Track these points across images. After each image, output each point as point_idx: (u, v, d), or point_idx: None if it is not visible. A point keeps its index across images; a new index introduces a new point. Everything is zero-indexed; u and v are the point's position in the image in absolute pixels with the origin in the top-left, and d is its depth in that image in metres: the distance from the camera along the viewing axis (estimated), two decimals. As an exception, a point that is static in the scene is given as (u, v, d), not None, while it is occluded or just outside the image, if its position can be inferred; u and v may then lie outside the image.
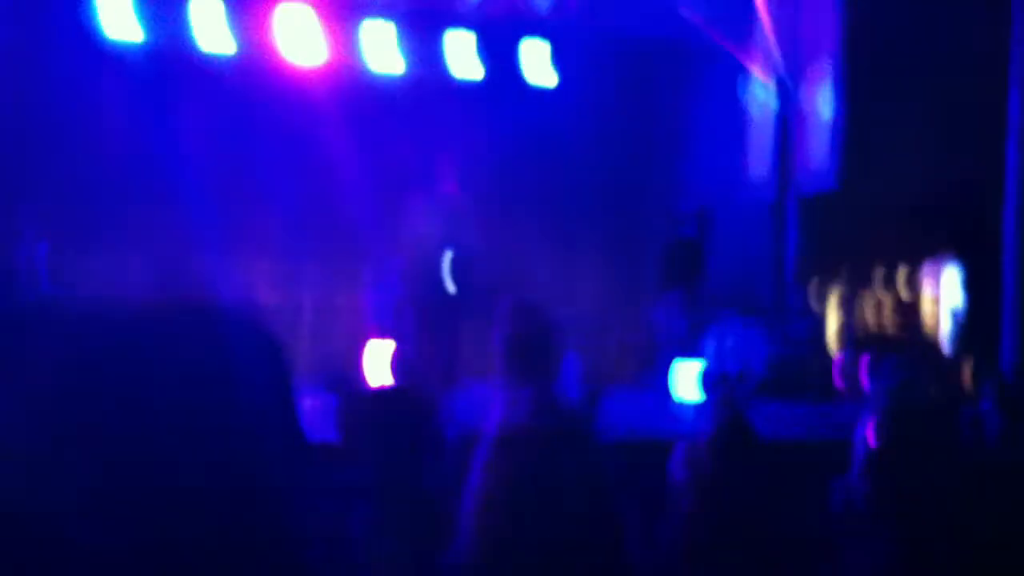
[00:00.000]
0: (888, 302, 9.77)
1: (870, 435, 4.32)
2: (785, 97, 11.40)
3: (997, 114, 9.09)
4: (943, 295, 9.72)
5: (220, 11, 11.10)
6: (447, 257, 8.06)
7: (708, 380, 10.17)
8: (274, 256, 11.91)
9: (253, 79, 11.46)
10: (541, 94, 12.54)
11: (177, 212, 11.09)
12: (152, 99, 11.09)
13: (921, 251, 10.13)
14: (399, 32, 11.79)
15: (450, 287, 7.81)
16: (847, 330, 9.73)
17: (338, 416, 3.29)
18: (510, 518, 2.50)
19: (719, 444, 4.51)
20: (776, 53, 11.33)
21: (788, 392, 9.38)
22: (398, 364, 7.96)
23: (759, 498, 4.45)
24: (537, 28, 12.64)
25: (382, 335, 8.83)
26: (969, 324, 9.72)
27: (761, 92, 11.78)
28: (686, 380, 10.28)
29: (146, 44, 10.92)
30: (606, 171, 13.40)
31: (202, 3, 11.04)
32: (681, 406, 10.45)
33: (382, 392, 3.46)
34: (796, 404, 9.01)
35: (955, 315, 9.73)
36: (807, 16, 11.15)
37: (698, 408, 10.19)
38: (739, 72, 12.00)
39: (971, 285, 9.74)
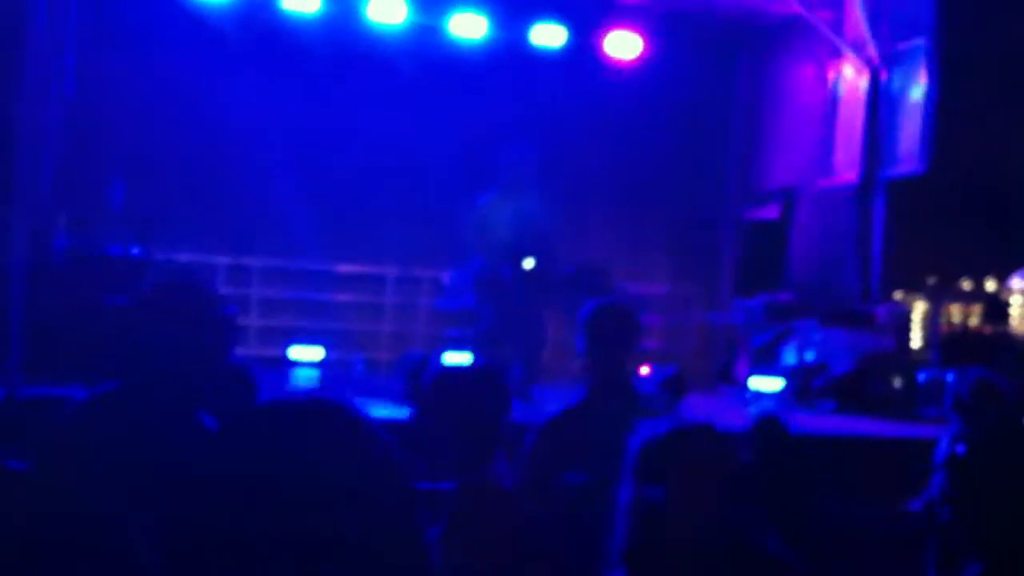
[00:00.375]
0: (976, 304, 9.53)
1: (954, 448, 4.19)
2: (875, 77, 11.11)
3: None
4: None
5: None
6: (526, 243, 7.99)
7: (787, 371, 10.10)
8: (355, 230, 12.01)
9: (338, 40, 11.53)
10: (620, 70, 12.41)
11: (250, 170, 11.26)
12: (233, 58, 11.21)
13: (1010, 243, 9.85)
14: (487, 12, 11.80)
15: (529, 269, 7.74)
16: (932, 336, 9.51)
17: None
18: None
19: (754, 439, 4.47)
20: (867, 31, 11.04)
21: (868, 406, 9.20)
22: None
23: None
24: (618, 3, 12.51)
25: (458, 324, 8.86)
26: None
27: (850, 72, 11.51)
28: (764, 382, 10.18)
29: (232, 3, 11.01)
30: (682, 148, 13.25)
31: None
32: (756, 398, 10.36)
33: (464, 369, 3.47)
34: (878, 419, 8.84)
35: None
36: (901, -6, 10.86)
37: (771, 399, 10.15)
38: (827, 50, 11.72)
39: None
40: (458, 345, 8.90)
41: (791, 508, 4.30)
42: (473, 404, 3.05)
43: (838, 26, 11.50)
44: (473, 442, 3.01)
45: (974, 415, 5.02)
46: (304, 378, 10.37)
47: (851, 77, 11.50)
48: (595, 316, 3.87)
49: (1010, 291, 9.58)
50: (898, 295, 10.13)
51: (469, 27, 11.74)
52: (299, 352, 11.21)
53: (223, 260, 11.72)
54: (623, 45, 12.39)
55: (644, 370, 9.08)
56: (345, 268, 12.15)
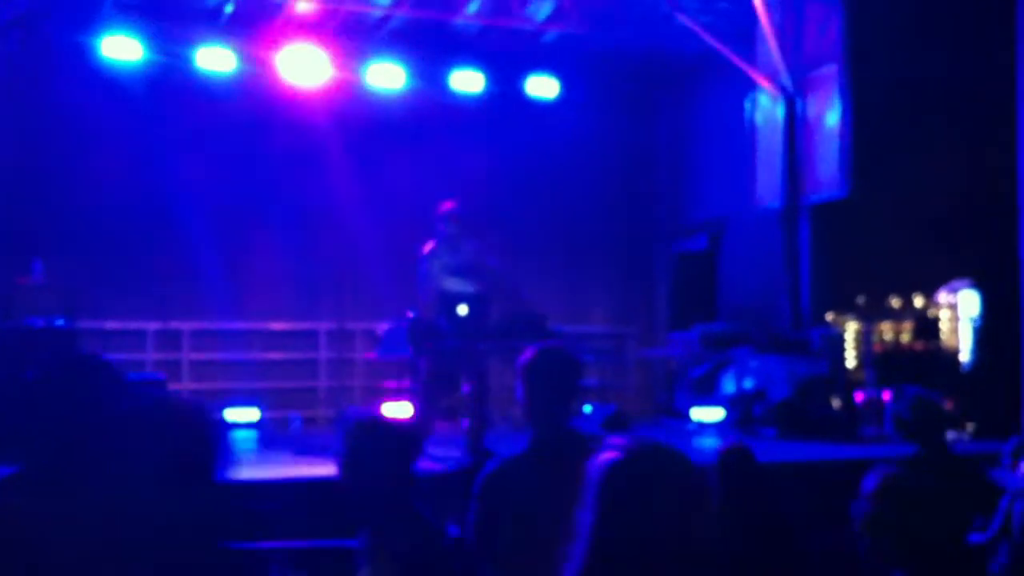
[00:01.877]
0: (907, 322, 9.66)
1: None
2: (791, 105, 11.30)
3: (1009, 119, 8.99)
4: (961, 311, 9.61)
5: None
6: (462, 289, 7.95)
7: (727, 400, 10.15)
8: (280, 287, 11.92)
9: (255, 99, 11.45)
10: (542, 113, 12.49)
11: (175, 235, 11.13)
12: (152, 125, 11.11)
13: (935, 258, 10.03)
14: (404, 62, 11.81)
15: (463, 316, 7.70)
16: (866, 356, 9.62)
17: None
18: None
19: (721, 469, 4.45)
20: (779, 61, 11.24)
21: (809, 430, 9.26)
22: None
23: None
24: (537, 44, 12.61)
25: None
26: (988, 338, 9.62)
27: (766, 102, 11.69)
28: (706, 413, 10.23)
29: (145, 65, 10.90)
30: (610, 186, 13.37)
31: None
32: (700, 429, 10.39)
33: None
34: (820, 442, 8.90)
35: (975, 329, 9.63)
36: (810, 23, 11.07)
37: (714, 429, 10.20)
38: (743, 82, 11.91)
39: (989, 299, 9.64)
40: (396, 397, 8.81)
41: (766, 539, 4.27)
42: (380, 455, 3.25)
43: (751, 57, 11.70)
44: (389, 486, 3.24)
45: (915, 433, 5.05)
46: (241, 439, 10.20)
47: (767, 106, 11.68)
48: (534, 362, 3.83)
49: (938, 306, 9.73)
50: (829, 316, 10.23)
51: (387, 78, 11.72)
52: (234, 414, 11.05)
53: (152, 325, 11.54)
54: (543, 87, 12.47)
55: (586, 408, 9.07)
56: (277, 326, 12.02)
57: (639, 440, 2.17)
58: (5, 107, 9.77)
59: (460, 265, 8.07)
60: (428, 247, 8.25)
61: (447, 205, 8.33)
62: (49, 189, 10.87)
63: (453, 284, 8.03)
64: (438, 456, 7.12)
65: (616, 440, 2.21)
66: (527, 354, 3.83)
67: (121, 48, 10.66)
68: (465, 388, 7.75)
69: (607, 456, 2.14)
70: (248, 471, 7.34)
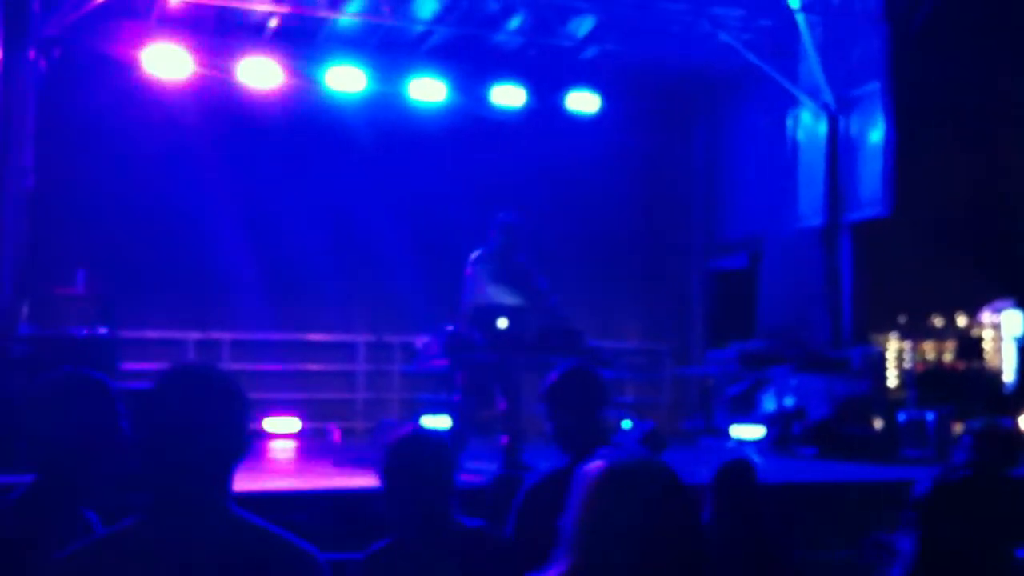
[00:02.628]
0: (949, 341, 9.56)
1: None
2: (833, 123, 11.24)
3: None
4: (1004, 331, 9.50)
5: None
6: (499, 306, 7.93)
7: (766, 419, 10.08)
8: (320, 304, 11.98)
9: (296, 113, 11.54)
10: (581, 128, 12.49)
11: (215, 246, 11.21)
12: (191, 137, 11.21)
13: (978, 278, 9.92)
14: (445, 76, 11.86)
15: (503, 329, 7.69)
16: (908, 376, 9.52)
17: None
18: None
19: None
20: (822, 78, 11.19)
21: (849, 450, 9.16)
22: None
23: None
24: (578, 59, 12.63)
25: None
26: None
27: (808, 119, 11.64)
28: (745, 431, 10.16)
29: (187, 79, 11.01)
30: (647, 201, 13.34)
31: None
32: (738, 448, 10.31)
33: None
34: (860, 463, 8.80)
35: (1018, 349, 9.51)
36: (853, 41, 11.01)
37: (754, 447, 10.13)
38: (782, 99, 11.86)
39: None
40: (433, 409, 8.82)
41: (758, 556, 4.22)
42: (419, 467, 3.25)
43: (793, 74, 11.65)
44: (426, 501, 3.24)
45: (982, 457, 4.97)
46: (280, 449, 10.25)
47: (809, 124, 11.63)
48: (556, 385, 3.82)
49: (981, 326, 9.63)
50: (870, 335, 10.15)
51: (428, 92, 11.77)
52: (274, 424, 11.12)
53: (192, 335, 11.63)
54: (582, 102, 12.47)
55: (625, 424, 9.03)
56: (315, 337, 12.08)
57: (627, 452, 2.18)
58: (49, 121, 9.89)
59: (507, 276, 8.04)
60: (476, 254, 8.21)
61: (504, 215, 8.28)
62: (92, 201, 10.99)
63: (496, 293, 8.00)
64: (474, 469, 7.11)
65: (604, 453, 2.23)
66: (550, 377, 3.83)
67: (165, 62, 10.78)
68: (500, 402, 7.73)
69: (593, 465, 2.15)
70: (285, 482, 7.37)
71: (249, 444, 2.31)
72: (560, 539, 2.14)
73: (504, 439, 7.62)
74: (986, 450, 5.00)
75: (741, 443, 10.30)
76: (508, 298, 7.97)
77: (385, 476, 3.31)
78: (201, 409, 2.23)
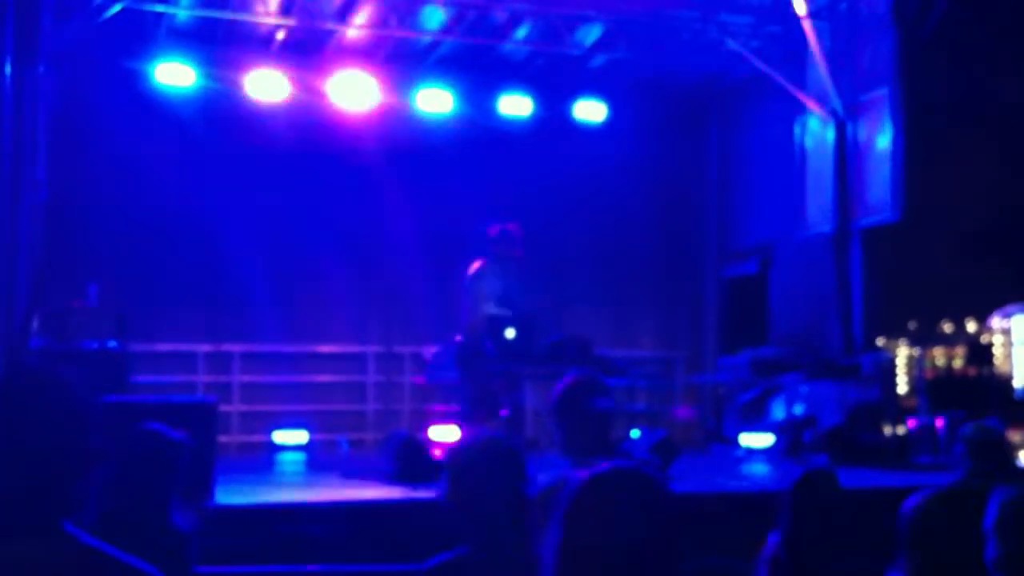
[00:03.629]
0: (959, 347, 9.52)
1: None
2: (841, 129, 11.23)
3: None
4: (1015, 337, 9.47)
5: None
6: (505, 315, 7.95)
7: (777, 426, 10.06)
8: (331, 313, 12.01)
9: (305, 124, 11.57)
10: (590, 137, 12.49)
11: (225, 258, 11.23)
12: (202, 151, 11.26)
13: (988, 283, 9.89)
14: (453, 87, 11.88)
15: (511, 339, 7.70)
16: (919, 382, 9.48)
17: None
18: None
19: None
20: (830, 84, 11.18)
21: (860, 457, 9.12)
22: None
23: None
24: (585, 68, 12.65)
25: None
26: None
27: (816, 125, 11.63)
28: (755, 439, 10.13)
29: (197, 91, 11.05)
30: (657, 210, 13.33)
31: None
32: (749, 456, 10.29)
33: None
34: (872, 470, 8.76)
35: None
36: (861, 47, 11.00)
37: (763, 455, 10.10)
38: (792, 105, 11.85)
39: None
40: (443, 420, 8.83)
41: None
42: (492, 476, 3.13)
43: (801, 81, 11.65)
44: (498, 511, 3.10)
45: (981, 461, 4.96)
46: (290, 461, 10.27)
47: (818, 130, 11.61)
48: (561, 397, 3.82)
49: (991, 331, 9.59)
50: (881, 342, 10.11)
51: (436, 103, 11.79)
52: (283, 436, 11.14)
53: (203, 348, 11.66)
54: (590, 111, 12.48)
55: (634, 433, 9.01)
56: (326, 349, 12.10)
57: (610, 465, 2.19)
58: (60, 133, 9.94)
59: (504, 291, 8.06)
60: (475, 266, 8.22)
61: (501, 227, 8.30)
62: (103, 214, 11.04)
63: (494, 308, 8.03)
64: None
65: (591, 466, 2.23)
66: (557, 386, 3.84)
67: (174, 74, 10.83)
68: (503, 412, 7.74)
69: (575, 478, 2.16)
70: (296, 494, 7.38)
71: (87, 461, 2.07)
72: (544, 553, 2.15)
73: None
74: (981, 457, 4.99)
75: (751, 451, 10.28)
76: (508, 312, 7.99)
77: (454, 483, 3.18)
78: (34, 423, 2.02)
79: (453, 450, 3.28)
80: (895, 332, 10.04)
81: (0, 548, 1.95)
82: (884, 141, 10.63)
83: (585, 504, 2.09)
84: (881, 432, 9.53)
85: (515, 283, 8.13)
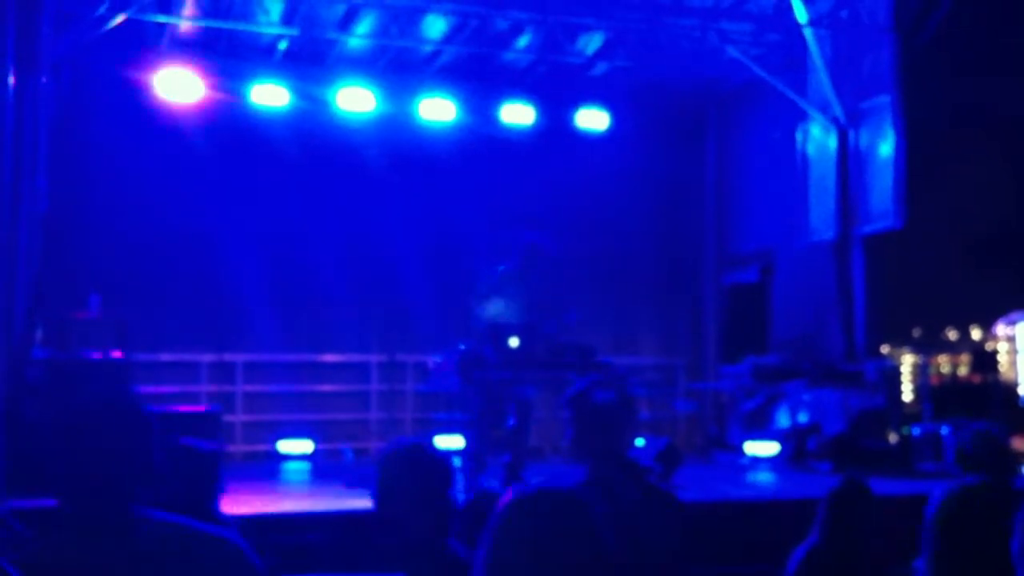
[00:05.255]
0: (963, 354, 9.51)
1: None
2: (843, 136, 11.23)
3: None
4: (1019, 344, 9.45)
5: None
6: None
7: (781, 434, 10.04)
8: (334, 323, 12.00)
9: (307, 134, 11.57)
10: (591, 145, 12.50)
11: (227, 268, 11.23)
12: (203, 160, 11.26)
13: (992, 290, 9.88)
14: (455, 96, 11.88)
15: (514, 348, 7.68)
16: (923, 389, 9.47)
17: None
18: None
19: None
20: (831, 92, 11.18)
21: (864, 464, 9.09)
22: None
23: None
24: (587, 77, 12.66)
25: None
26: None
27: (818, 132, 11.63)
28: (759, 447, 10.11)
29: (199, 101, 11.05)
30: (659, 217, 13.33)
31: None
32: (753, 464, 10.27)
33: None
34: (877, 477, 8.72)
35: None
36: (862, 54, 11.00)
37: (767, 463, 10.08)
38: (792, 113, 11.85)
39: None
40: (447, 429, 8.81)
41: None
42: (419, 484, 3.11)
43: (802, 88, 11.65)
44: (425, 520, 3.08)
45: (977, 467, 4.95)
46: (294, 471, 10.25)
47: (819, 137, 11.62)
48: (583, 398, 3.79)
49: (996, 339, 9.58)
50: (885, 349, 10.11)
51: (438, 112, 11.79)
52: (287, 446, 11.12)
53: (206, 358, 11.65)
54: (592, 119, 12.48)
55: (638, 442, 9.00)
56: (329, 358, 12.09)
57: (537, 486, 2.19)
58: (61, 145, 9.95)
59: (526, 296, 8.03)
60: (497, 271, 8.17)
61: (530, 235, 8.26)
62: (105, 224, 11.03)
63: (509, 312, 7.99)
64: (483, 488, 7.08)
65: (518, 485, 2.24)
66: (575, 388, 3.80)
67: (176, 84, 10.84)
68: (510, 419, 7.72)
69: (503, 498, 2.17)
70: (300, 503, 7.37)
71: (152, 465, 2.35)
72: (475, 568, 2.16)
73: (507, 456, 7.60)
74: (984, 462, 4.97)
75: (755, 459, 10.26)
76: (522, 316, 7.96)
77: (381, 491, 3.15)
78: (108, 436, 2.28)
79: (379, 459, 3.26)
80: (899, 339, 10.04)
81: (80, 541, 2.16)
82: (886, 148, 10.63)
83: (511, 524, 2.10)
84: (885, 439, 9.52)
85: (536, 297, 8.09)
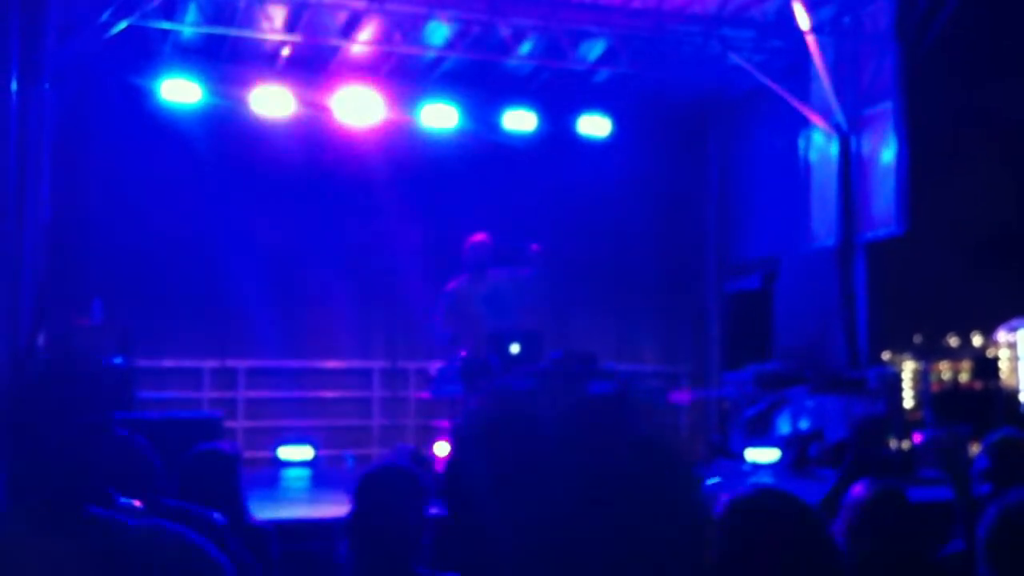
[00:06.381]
0: (965, 361, 9.51)
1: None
2: (845, 143, 11.23)
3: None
4: (1021, 350, 9.45)
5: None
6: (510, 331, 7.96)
7: (782, 441, 10.03)
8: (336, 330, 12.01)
9: (310, 141, 11.58)
10: (593, 151, 12.52)
11: (229, 275, 11.24)
12: (206, 168, 11.28)
13: (993, 296, 9.88)
14: (457, 102, 11.91)
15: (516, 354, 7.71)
16: (924, 396, 9.47)
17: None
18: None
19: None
20: (833, 98, 11.19)
21: (866, 471, 9.07)
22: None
23: None
24: (589, 83, 12.67)
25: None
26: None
27: (820, 139, 11.63)
28: (761, 454, 10.11)
29: (202, 107, 11.08)
30: (661, 224, 13.34)
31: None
32: (755, 470, 10.27)
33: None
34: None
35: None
36: (864, 60, 11.01)
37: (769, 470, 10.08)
38: (795, 119, 11.86)
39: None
40: (448, 436, 8.80)
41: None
42: (391, 502, 3.15)
43: (804, 95, 11.66)
44: (397, 537, 3.12)
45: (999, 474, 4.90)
46: (294, 477, 10.25)
47: (822, 144, 11.62)
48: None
49: (997, 345, 9.58)
50: (886, 356, 10.11)
51: (440, 119, 11.81)
52: (288, 452, 11.12)
53: (208, 364, 11.67)
54: (594, 126, 12.50)
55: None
56: (331, 364, 12.10)
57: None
58: (64, 152, 9.97)
59: (485, 296, 8.08)
60: (453, 283, 8.23)
61: (475, 238, 8.33)
62: (107, 231, 11.06)
63: (483, 315, 8.04)
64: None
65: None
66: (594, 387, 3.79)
67: (179, 91, 10.87)
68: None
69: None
70: (301, 510, 7.37)
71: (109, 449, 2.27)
72: None
73: None
74: (1012, 465, 4.93)
75: (756, 466, 10.26)
76: (500, 319, 8.00)
77: (357, 509, 3.18)
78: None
79: (358, 478, 3.24)
80: (901, 346, 10.04)
81: (30, 540, 2.06)
82: (888, 155, 10.63)
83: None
84: (887, 446, 9.51)
85: (493, 288, 8.14)
